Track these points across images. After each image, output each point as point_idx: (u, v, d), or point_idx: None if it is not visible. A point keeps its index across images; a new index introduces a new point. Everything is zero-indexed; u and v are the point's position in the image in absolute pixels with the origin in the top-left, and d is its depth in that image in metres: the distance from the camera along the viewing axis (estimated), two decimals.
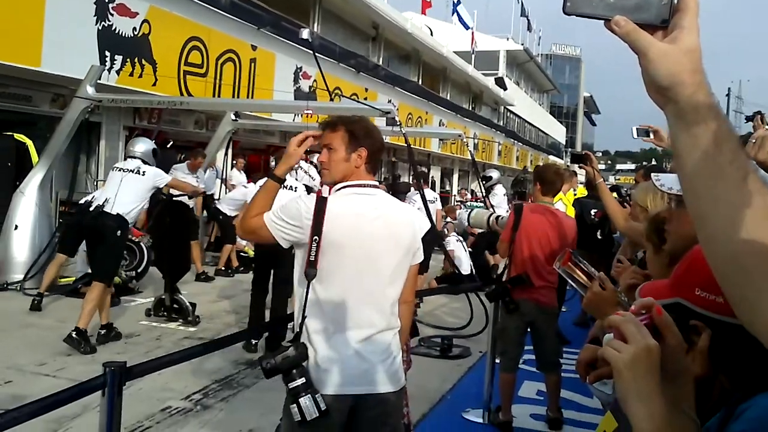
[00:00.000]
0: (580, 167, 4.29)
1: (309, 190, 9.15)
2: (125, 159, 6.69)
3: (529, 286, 4.46)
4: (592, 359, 2.03)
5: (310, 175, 12.08)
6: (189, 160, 9.76)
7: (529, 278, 4.45)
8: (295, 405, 2.24)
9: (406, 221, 2.55)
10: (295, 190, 6.11)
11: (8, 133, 9.42)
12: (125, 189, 6.20)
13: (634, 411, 0.92)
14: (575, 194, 9.01)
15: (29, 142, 8.98)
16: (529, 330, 4.64)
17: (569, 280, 2.09)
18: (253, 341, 6.02)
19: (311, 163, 13.91)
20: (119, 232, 6.13)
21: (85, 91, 8.47)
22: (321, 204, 2.38)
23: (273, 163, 7.04)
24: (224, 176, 11.31)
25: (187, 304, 7.04)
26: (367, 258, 2.40)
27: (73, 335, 5.72)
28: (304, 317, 2.38)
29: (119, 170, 6.37)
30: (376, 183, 2.56)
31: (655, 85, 0.85)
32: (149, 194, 6.47)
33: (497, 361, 4.77)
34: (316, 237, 2.34)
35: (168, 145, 12.83)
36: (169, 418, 4.47)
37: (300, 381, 2.27)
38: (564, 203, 7.52)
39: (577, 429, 4.73)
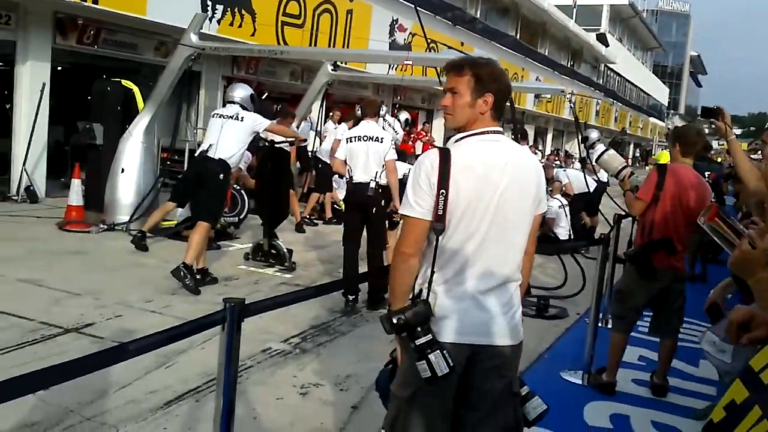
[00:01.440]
0: (711, 123, 4.00)
1: None
2: (224, 105, 6.77)
3: (671, 252, 4.23)
4: (746, 320, 1.86)
5: (394, 129, 11.97)
6: (278, 119, 9.74)
7: (673, 244, 4.22)
8: (423, 361, 2.20)
9: (532, 168, 2.42)
10: (381, 141, 6.01)
11: (115, 79, 9.75)
12: (226, 135, 6.30)
13: None
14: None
15: (135, 89, 9.25)
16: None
17: (714, 237, 1.92)
18: (350, 297, 5.99)
19: (396, 118, 13.79)
20: (222, 175, 6.25)
21: (189, 39, 8.60)
22: (445, 155, 2.28)
23: (358, 112, 6.90)
24: (318, 128, 11.34)
25: (285, 250, 7.16)
26: (494, 208, 2.29)
27: (181, 268, 5.92)
28: (432, 272, 2.30)
29: (219, 116, 6.46)
30: (500, 129, 2.42)
31: None
32: (249, 138, 6.54)
33: (600, 323, 4.59)
34: (443, 191, 2.24)
35: (263, 96, 13.01)
36: (269, 359, 4.56)
37: (426, 338, 2.22)
38: None
39: (681, 397, 4.53)
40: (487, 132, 2.37)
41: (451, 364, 2.20)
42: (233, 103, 6.52)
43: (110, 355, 1.88)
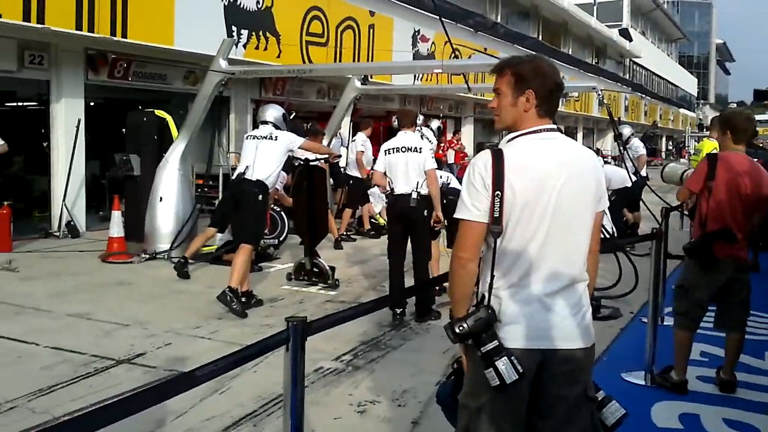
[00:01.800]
0: (765, 104, 3.86)
1: None
2: (257, 126, 6.77)
3: (731, 242, 4.08)
4: None
5: (428, 139, 11.91)
6: (309, 137, 9.66)
7: (732, 233, 4.08)
8: (491, 369, 2.13)
9: (590, 166, 2.34)
10: (420, 151, 5.95)
11: (149, 109, 9.87)
12: (261, 155, 6.30)
13: None
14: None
15: (169, 117, 9.34)
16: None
17: None
18: (398, 310, 5.91)
19: (428, 127, 13.74)
20: (260, 196, 6.24)
21: (219, 64, 8.66)
22: (499, 157, 2.21)
23: (395, 123, 6.83)
24: (348, 144, 11.34)
25: (327, 267, 7.11)
26: (553, 208, 2.22)
27: (227, 292, 5.89)
28: (492, 276, 2.23)
29: (253, 138, 6.47)
30: (554, 126, 2.33)
31: None
32: (285, 158, 6.52)
33: (665, 322, 4.44)
34: (498, 192, 2.18)
35: (291, 116, 13.07)
36: (322, 379, 4.49)
37: (492, 344, 2.15)
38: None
39: (751, 392, 4.36)
40: (540, 130, 2.29)
41: (521, 371, 2.12)
42: (266, 123, 6.52)
43: (180, 383, 1.84)
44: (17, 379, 4.37)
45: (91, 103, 11.36)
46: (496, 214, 2.18)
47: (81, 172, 10.56)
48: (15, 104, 13.32)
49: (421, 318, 5.90)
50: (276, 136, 6.38)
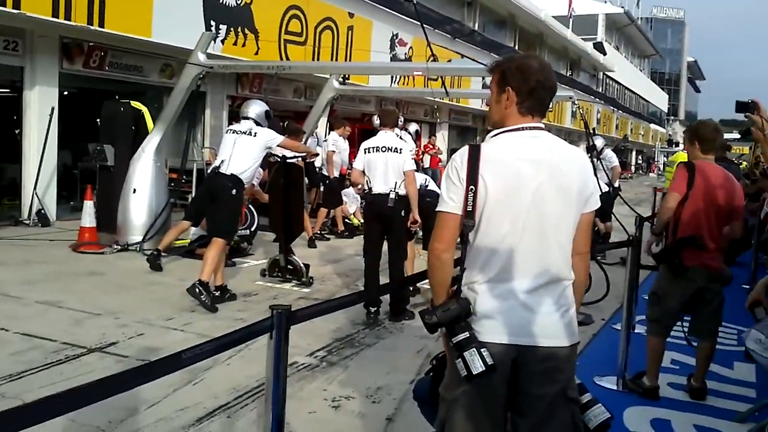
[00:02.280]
0: (746, 116, 3.94)
1: None
2: (239, 120, 6.72)
3: (701, 249, 4.15)
4: None
5: (404, 140, 11.89)
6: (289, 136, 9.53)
7: (702, 240, 4.15)
8: (460, 360, 2.14)
9: (576, 165, 2.33)
10: (400, 152, 5.97)
11: (124, 100, 9.75)
12: (239, 150, 6.26)
13: None
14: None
15: (144, 109, 9.25)
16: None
17: None
18: (372, 309, 5.93)
19: (407, 130, 13.76)
20: (234, 191, 6.19)
21: (197, 57, 8.60)
22: (475, 152, 2.25)
23: (376, 122, 6.78)
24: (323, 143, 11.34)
25: (301, 265, 7.10)
26: (528, 205, 2.22)
27: (196, 285, 5.85)
28: (463, 270, 2.26)
29: (233, 132, 6.42)
30: (539, 125, 2.35)
31: None
32: (263, 154, 6.49)
33: (636, 330, 4.51)
34: (472, 186, 2.21)
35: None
36: (297, 373, 4.48)
37: (463, 335, 2.16)
38: None
39: (720, 400, 4.44)
40: (523, 128, 2.30)
41: (488, 363, 2.12)
42: (247, 118, 6.48)
43: (165, 365, 1.81)
44: None
45: (65, 93, 11.19)
46: (469, 208, 2.21)
47: (53, 161, 10.40)
48: None
49: (395, 317, 5.92)
50: (255, 132, 6.34)
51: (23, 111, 10.22)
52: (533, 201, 2.22)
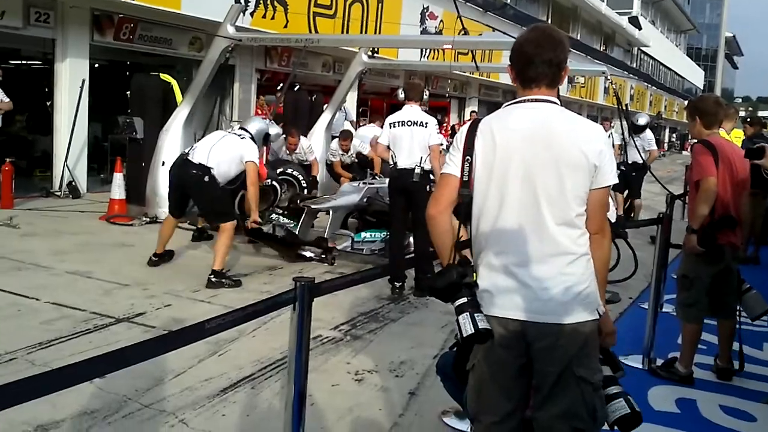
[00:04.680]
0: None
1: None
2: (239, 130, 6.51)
3: (733, 227, 4.08)
4: None
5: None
6: (286, 136, 9.26)
7: (734, 219, 4.07)
8: (456, 323, 2.17)
9: (581, 137, 2.22)
10: (426, 126, 5.89)
11: (154, 73, 9.80)
12: (220, 146, 6.07)
13: None
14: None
15: (173, 82, 9.29)
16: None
17: None
18: (397, 283, 5.91)
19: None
20: (206, 177, 5.93)
21: (226, 30, 8.59)
22: (474, 123, 2.31)
23: (401, 96, 6.54)
24: (352, 119, 11.28)
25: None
26: (518, 177, 2.19)
27: (212, 279, 5.79)
28: (458, 239, 2.28)
29: (226, 131, 6.45)
30: (543, 97, 2.26)
31: None
32: (232, 162, 6.09)
33: (664, 309, 4.43)
34: (468, 157, 2.24)
35: (295, 88, 12.96)
36: (321, 346, 4.50)
37: (462, 300, 2.17)
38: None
39: (748, 381, 4.37)
40: (525, 100, 2.27)
41: (479, 327, 2.12)
42: (245, 130, 6.34)
43: (189, 334, 1.83)
44: (17, 332, 4.39)
45: (95, 65, 11.27)
46: (465, 178, 2.25)
47: (83, 133, 10.52)
48: (19, 62, 13.23)
49: (420, 292, 5.90)
50: (243, 137, 6.21)
51: (54, 83, 10.34)
52: (525, 173, 2.19)
